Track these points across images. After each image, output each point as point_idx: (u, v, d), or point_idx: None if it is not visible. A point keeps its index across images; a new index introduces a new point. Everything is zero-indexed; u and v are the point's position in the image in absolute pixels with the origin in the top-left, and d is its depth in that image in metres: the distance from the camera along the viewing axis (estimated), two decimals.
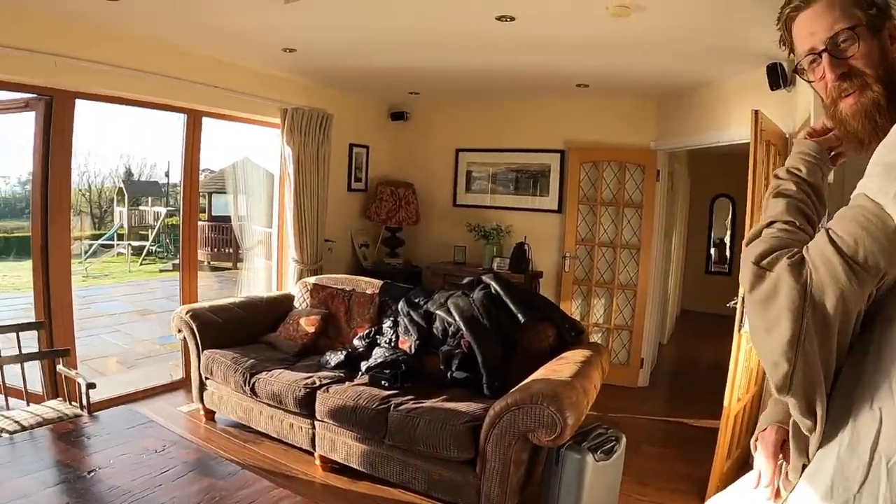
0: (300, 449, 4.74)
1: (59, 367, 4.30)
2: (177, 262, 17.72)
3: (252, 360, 4.97)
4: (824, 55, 1.36)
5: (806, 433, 1.31)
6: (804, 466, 1.35)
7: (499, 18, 4.22)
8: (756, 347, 1.29)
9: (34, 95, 5.05)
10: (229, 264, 17.12)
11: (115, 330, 10.04)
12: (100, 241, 20.32)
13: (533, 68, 5.75)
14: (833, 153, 1.55)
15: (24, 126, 5.33)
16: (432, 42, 5.06)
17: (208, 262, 17.61)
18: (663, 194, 6.86)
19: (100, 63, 5.06)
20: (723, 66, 5.15)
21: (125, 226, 21.31)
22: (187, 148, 6.19)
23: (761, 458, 1.54)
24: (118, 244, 20.61)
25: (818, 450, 1.30)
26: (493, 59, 5.50)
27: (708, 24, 3.98)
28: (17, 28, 4.57)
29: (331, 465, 4.56)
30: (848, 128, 1.39)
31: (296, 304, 6.08)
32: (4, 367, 4.12)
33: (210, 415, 5.44)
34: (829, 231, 1.20)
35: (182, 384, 6.26)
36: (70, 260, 5.50)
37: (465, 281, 5.36)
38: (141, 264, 18.69)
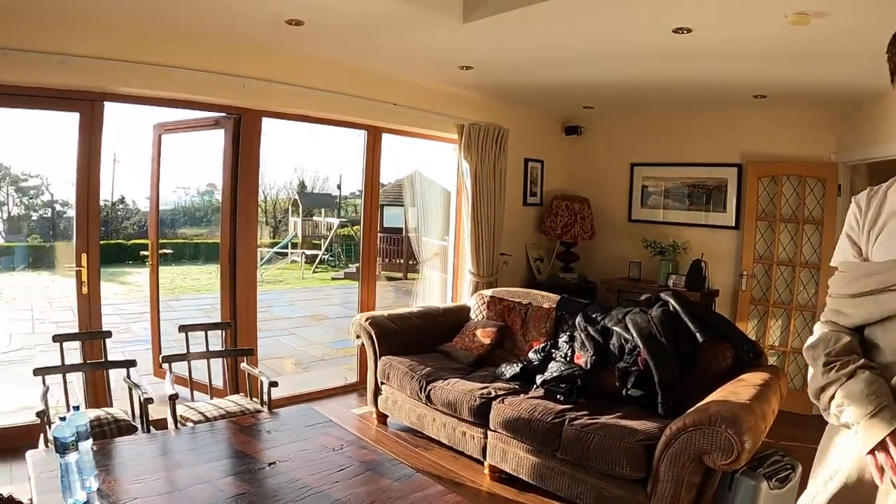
0: (470, 457, 4.79)
1: (243, 365, 4.56)
2: (349, 270, 18.52)
3: (429, 369, 5.09)
4: None
5: None
6: None
7: (676, 30, 4.12)
8: None
9: (224, 114, 5.46)
10: (399, 274, 17.54)
11: (291, 333, 10.52)
12: (275, 249, 21.33)
13: (709, 80, 5.58)
14: None
15: (206, 142, 5.70)
16: (608, 56, 5.00)
17: (380, 272, 18.00)
18: (845, 210, 6.44)
19: (285, 84, 5.41)
20: None
21: (299, 235, 22.21)
22: (368, 163, 6.45)
23: None
24: (292, 252, 21.53)
25: None
26: (668, 72, 5.38)
27: None
28: (210, 54, 5.01)
29: (499, 475, 4.58)
30: None
31: (472, 315, 6.15)
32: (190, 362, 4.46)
33: (382, 418, 5.60)
34: None
35: (355, 387, 6.51)
36: (255, 267, 5.85)
37: (643, 298, 5.21)
38: (313, 272, 19.41)
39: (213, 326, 4.74)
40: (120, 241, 21.11)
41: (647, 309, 4.92)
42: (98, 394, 4.63)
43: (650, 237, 7.43)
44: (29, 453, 3.14)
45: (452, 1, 4.15)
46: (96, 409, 4.06)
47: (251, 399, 4.47)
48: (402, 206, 17.17)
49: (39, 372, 3.94)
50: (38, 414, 3.62)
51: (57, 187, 24.52)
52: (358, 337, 5.61)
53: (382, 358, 5.40)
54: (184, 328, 4.45)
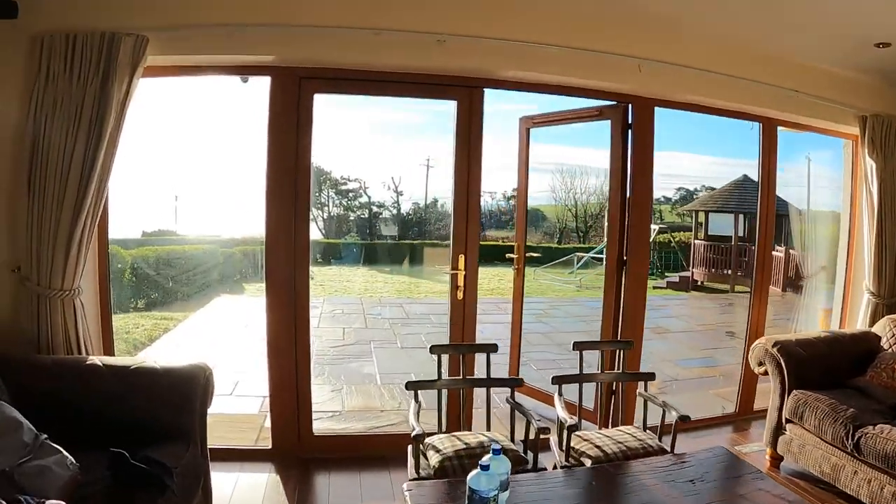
0: None
1: (640, 391, 3.94)
2: (671, 279, 17.94)
3: (853, 410, 4.17)
4: None
5: None
6: None
7: None
8: None
9: (613, 102, 4.92)
10: (725, 286, 16.69)
11: None
12: (590, 255, 21.31)
13: None
14: None
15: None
16: None
17: (702, 282, 17.42)
18: None
19: (681, 65, 4.79)
20: None
21: None
22: (763, 164, 5.69)
23: None
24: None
25: None
26: None
27: None
28: (598, 31, 4.53)
29: None
30: None
31: (883, 344, 5.11)
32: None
33: (776, 461, 4.81)
34: None
35: (732, 419, 5.75)
36: (646, 276, 5.30)
37: None
38: None
39: (611, 344, 4.18)
40: (434, 241, 22.44)
41: None
42: (468, 414, 4.14)
43: None
44: (405, 486, 2.80)
45: None
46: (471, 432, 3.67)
47: (644, 430, 3.84)
48: (731, 212, 16.46)
49: (412, 386, 3.63)
50: (416, 437, 3.27)
51: (374, 190, 26.54)
52: (760, 364, 4.85)
53: (795, 392, 4.56)
54: (579, 345, 3.92)
